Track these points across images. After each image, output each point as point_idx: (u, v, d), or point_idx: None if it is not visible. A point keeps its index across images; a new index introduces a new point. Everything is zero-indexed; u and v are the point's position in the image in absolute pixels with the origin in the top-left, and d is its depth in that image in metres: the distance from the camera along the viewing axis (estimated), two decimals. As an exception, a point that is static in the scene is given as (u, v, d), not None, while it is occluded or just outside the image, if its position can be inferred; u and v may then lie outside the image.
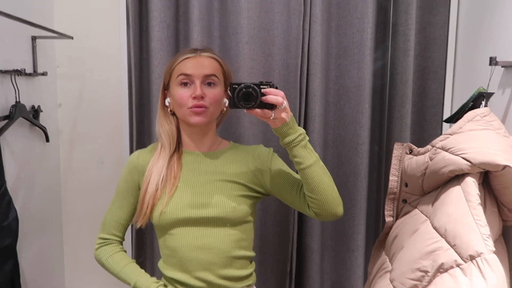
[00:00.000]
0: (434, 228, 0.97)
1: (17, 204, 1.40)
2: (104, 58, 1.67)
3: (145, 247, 1.67)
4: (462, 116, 1.06)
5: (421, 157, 1.10)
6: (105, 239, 1.15)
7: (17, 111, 1.38)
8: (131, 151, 1.61)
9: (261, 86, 0.94)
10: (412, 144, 1.18)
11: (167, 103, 1.15)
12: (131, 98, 1.58)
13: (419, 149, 1.14)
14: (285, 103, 0.95)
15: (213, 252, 1.07)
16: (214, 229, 1.08)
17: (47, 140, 1.61)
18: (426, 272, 0.91)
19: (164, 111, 1.16)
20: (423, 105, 1.63)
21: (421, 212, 1.09)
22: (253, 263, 1.19)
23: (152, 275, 1.11)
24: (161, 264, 1.15)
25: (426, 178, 1.08)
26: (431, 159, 1.06)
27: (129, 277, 1.10)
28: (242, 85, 0.94)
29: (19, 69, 1.38)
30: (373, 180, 1.67)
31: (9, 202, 1.33)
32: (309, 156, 0.99)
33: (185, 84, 1.09)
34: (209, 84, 1.10)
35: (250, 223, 1.14)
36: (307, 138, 1.01)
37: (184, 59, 1.10)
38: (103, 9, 1.65)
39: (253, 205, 1.15)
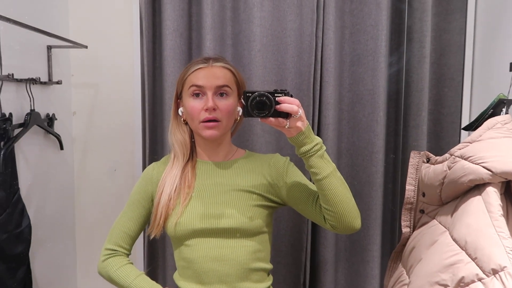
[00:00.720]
0: (454, 239, 0.93)
1: (31, 211, 1.40)
2: (118, 67, 1.69)
3: (157, 256, 1.66)
4: (482, 123, 1.03)
5: (439, 166, 1.07)
6: (113, 250, 1.11)
7: (32, 119, 1.39)
8: (144, 159, 1.61)
9: (276, 94, 0.92)
10: (429, 153, 1.15)
11: (180, 113, 1.14)
12: (144, 106, 1.59)
13: (437, 157, 1.10)
14: (301, 111, 0.92)
15: (230, 264, 1.05)
16: (230, 240, 1.06)
17: (61, 148, 1.62)
18: (445, 286, 0.88)
19: (177, 121, 1.15)
20: (440, 113, 1.60)
21: (440, 223, 1.05)
22: (271, 276, 1.16)
23: (164, 285, 1.08)
24: (176, 276, 1.14)
25: (445, 187, 1.04)
26: (449, 168, 1.02)
27: None
28: (256, 93, 0.93)
29: (34, 77, 1.40)
30: (389, 189, 1.63)
31: (23, 209, 1.34)
32: (325, 167, 0.97)
33: (197, 95, 1.08)
34: (222, 94, 1.09)
35: (266, 234, 1.12)
36: (324, 147, 0.98)
37: (196, 70, 1.09)
38: (117, 18, 1.67)
39: (269, 215, 1.12)
